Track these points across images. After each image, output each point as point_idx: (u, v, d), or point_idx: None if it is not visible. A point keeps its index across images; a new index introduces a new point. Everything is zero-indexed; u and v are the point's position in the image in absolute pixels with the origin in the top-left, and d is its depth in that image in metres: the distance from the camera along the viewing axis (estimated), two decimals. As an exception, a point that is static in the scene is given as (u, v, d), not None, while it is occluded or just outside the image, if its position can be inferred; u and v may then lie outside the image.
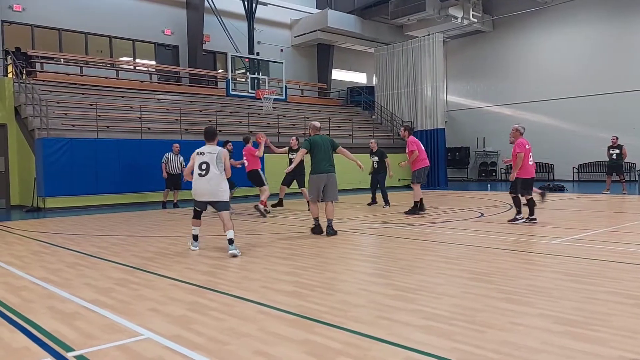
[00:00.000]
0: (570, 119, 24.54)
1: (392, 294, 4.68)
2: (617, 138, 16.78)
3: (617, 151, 16.47)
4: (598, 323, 3.74)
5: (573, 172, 24.27)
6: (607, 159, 17.07)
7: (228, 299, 4.65)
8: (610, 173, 16.84)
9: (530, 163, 9.42)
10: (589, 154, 23.34)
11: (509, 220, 9.66)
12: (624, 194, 15.97)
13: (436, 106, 24.31)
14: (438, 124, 24.21)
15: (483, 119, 27.92)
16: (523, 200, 9.55)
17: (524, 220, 9.47)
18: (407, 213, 11.38)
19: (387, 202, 13.36)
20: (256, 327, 3.82)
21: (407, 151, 11.74)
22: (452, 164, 27.92)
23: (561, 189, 18.29)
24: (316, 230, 8.79)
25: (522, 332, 3.58)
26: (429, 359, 3.17)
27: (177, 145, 14.71)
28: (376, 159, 13.84)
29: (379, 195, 14.00)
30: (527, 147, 9.40)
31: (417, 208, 11.37)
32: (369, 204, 14.10)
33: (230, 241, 6.91)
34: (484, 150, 27.83)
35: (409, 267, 5.92)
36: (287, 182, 13.11)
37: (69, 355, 3.35)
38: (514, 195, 9.57)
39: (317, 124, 9.21)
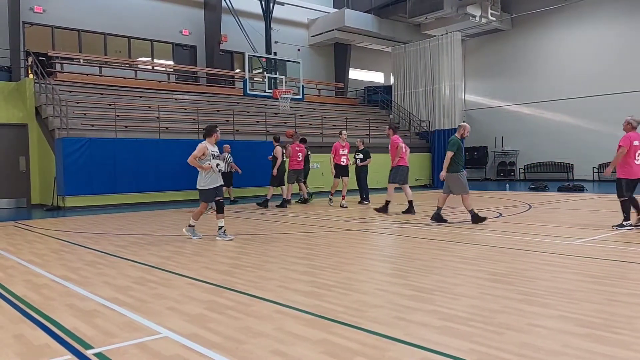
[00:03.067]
0: (590, 118, 24.17)
1: (409, 295, 4.64)
2: None
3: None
4: (620, 325, 3.67)
5: (593, 172, 23.89)
6: None
7: (245, 298, 4.66)
8: None
9: (637, 162, 8.27)
10: (610, 154, 22.64)
11: (614, 226, 8.55)
12: None
13: (454, 105, 24.15)
14: (456, 123, 23.98)
15: (502, 118, 27.64)
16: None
17: (631, 227, 8.33)
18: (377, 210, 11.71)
19: (367, 198, 14.46)
20: (273, 326, 3.82)
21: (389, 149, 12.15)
22: (470, 163, 27.67)
23: (581, 189, 18.03)
24: (435, 216, 9.90)
25: (542, 334, 3.53)
26: (446, 361, 3.14)
27: (227, 145, 15.06)
28: (361, 156, 14.46)
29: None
30: (635, 143, 8.22)
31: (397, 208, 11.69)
32: (360, 202, 14.47)
33: (190, 226, 8.41)
34: (502, 150, 27.55)
35: (426, 267, 5.88)
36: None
37: (89, 352, 3.38)
38: (623, 199, 8.40)
39: None
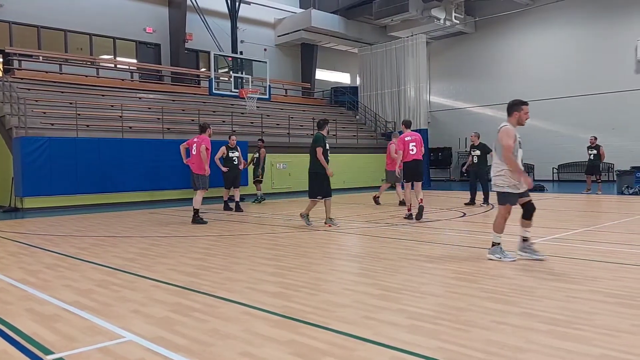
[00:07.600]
0: (551, 120, 24.85)
1: (377, 294, 4.67)
2: (596, 138, 17.02)
3: (595, 151, 16.70)
4: (581, 322, 3.77)
5: (553, 173, 24.58)
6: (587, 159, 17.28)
7: (212, 300, 4.60)
8: (590, 173, 17.06)
9: None
10: (569, 155, 23.67)
11: None
12: (598, 193, 16.20)
13: (419, 107, 24.45)
14: (421, 124, 24.31)
15: (465, 120, 28.15)
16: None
17: None
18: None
19: (487, 199, 12.93)
20: (241, 328, 3.78)
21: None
22: (434, 164, 28.10)
23: (541, 189, 18.49)
24: None
25: (507, 331, 3.60)
26: (415, 359, 3.17)
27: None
28: (478, 152, 12.85)
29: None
30: None
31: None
32: (466, 204, 13.19)
33: (494, 244, 6.24)
34: (466, 151, 28.01)
35: (393, 266, 5.92)
36: None
37: (49, 358, 3.28)
38: None
39: None
